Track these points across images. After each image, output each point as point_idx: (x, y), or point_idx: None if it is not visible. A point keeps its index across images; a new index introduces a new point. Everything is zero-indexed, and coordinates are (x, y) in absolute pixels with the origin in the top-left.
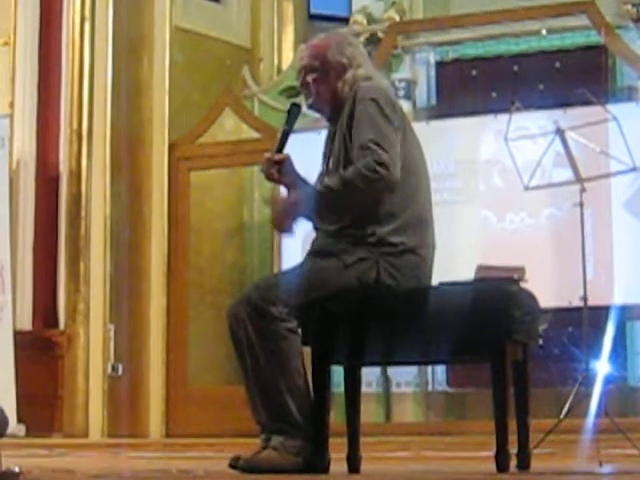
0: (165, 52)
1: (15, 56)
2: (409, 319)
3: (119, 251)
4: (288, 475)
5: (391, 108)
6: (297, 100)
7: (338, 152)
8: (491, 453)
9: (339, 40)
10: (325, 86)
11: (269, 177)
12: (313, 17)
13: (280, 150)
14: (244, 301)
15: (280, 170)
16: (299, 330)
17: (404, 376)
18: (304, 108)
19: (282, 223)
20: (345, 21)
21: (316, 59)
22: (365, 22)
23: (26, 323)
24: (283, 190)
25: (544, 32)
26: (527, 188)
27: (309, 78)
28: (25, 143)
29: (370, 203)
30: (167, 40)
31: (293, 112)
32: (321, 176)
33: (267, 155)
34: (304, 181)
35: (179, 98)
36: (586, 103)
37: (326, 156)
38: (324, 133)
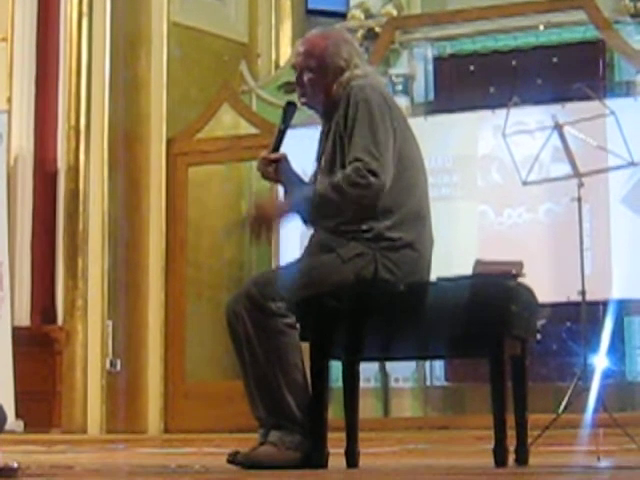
0: (163, 48)
1: (13, 52)
2: (407, 314)
3: (117, 247)
4: (287, 470)
5: (384, 106)
6: (295, 96)
7: (332, 152)
8: (489, 448)
9: (336, 40)
10: (320, 86)
11: (266, 176)
12: (311, 12)
13: (277, 149)
14: (242, 296)
15: (276, 169)
16: (297, 325)
17: (402, 371)
18: (299, 104)
19: (260, 226)
20: (343, 16)
21: (313, 59)
22: (362, 17)
23: (24, 319)
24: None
25: (542, 27)
26: (525, 183)
27: (305, 77)
28: (23, 139)
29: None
30: (165, 36)
31: (289, 110)
32: (315, 174)
33: (263, 154)
34: (300, 180)
35: (177, 94)
36: (584, 98)
37: (319, 153)
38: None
